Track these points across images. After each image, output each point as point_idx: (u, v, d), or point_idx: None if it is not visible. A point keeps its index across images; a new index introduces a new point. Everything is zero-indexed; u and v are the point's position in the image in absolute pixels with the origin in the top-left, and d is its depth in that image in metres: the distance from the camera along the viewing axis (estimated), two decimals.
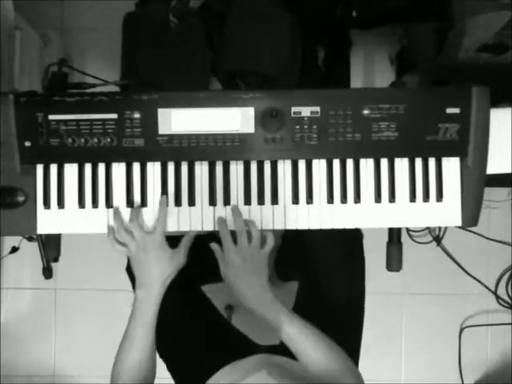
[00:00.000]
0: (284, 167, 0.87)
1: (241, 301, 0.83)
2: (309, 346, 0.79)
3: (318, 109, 0.84)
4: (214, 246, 0.86)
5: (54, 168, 0.87)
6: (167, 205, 0.86)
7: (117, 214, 0.85)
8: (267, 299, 0.82)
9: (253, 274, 0.82)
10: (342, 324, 0.97)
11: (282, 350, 0.85)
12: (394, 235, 0.94)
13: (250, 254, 0.82)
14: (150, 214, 0.87)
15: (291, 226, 0.87)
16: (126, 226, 0.84)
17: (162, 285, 0.84)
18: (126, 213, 0.87)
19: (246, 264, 0.82)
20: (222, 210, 0.87)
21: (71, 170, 0.87)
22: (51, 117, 0.84)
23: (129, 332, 0.83)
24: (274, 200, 0.87)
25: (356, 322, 1.01)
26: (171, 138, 0.84)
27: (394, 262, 0.94)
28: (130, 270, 1.03)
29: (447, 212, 0.87)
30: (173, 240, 1.05)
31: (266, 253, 0.84)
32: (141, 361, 0.82)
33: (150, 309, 0.83)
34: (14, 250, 1.60)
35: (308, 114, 0.84)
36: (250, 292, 0.82)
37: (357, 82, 1.56)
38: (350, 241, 1.02)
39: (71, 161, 0.86)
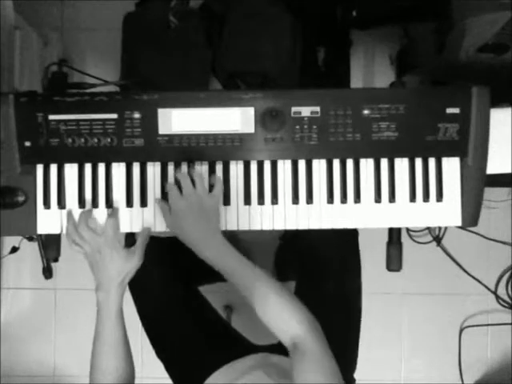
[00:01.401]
0: (284, 167, 0.87)
1: (188, 245, 0.82)
2: (263, 294, 0.76)
3: (318, 109, 0.84)
4: (157, 200, 0.86)
5: (53, 168, 0.87)
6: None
7: (69, 216, 0.85)
8: (216, 242, 0.81)
9: (200, 217, 0.81)
10: (339, 322, 0.96)
11: (280, 349, 0.85)
12: (394, 235, 0.94)
13: (196, 199, 0.82)
14: (149, 215, 0.87)
15: (291, 226, 0.87)
16: (78, 228, 0.83)
17: (120, 285, 0.83)
18: (126, 213, 0.87)
19: (193, 208, 0.81)
20: (221, 210, 0.87)
21: (71, 170, 0.87)
22: (51, 117, 0.84)
23: (96, 334, 0.82)
24: (274, 200, 0.87)
25: (353, 320, 1.01)
26: (171, 138, 0.84)
27: (394, 262, 0.94)
28: None
29: (447, 212, 0.88)
30: (172, 240, 1.05)
31: (215, 196, 0.84)
32: (114, 362, 0.81)
33: (112, 310, 0.81)
34: (14, 250, 1.60)
35: (308, 114, 0.84)
36: (197, 235, 0.81)
37: (357, 82, 1.56)
38: (345, 239, 1.02)
39: (71, 161, 0.86)
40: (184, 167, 0.87)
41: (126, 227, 0.87)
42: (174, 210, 0.83)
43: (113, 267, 0.82)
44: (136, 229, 0.87)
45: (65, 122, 0.84)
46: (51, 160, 0.86)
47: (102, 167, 0.87)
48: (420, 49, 1.29)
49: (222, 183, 0.85)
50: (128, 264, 0.83)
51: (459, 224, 0.88)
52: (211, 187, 0.85)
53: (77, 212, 0.85)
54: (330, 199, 0.87)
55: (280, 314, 0.75)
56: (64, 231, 0.87)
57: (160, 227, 0.87)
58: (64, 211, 0.86)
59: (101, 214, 0.87)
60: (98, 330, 0.82)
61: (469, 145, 0.85)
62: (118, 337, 0.82)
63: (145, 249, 0.86)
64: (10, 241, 1.61)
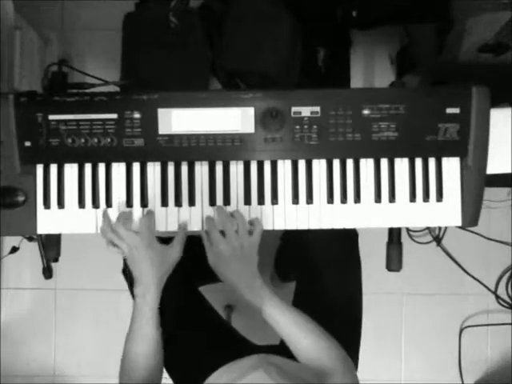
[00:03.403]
0: (284, 167, 0.87)
1: (233, 289, 0.83)
2: (296, 331, 0.80)
3: (318, 109, 0.84)
4: (202, 233, 0.86)
5: (53, 168, 0.87)
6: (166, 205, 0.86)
7: (105, 216, 0.85)
8: (257, 285, 0.82)
9: (243, 262, 0.83)
10: (340, 322, 0.96)
11: (281, 349, 0.86)
12: (394, 235, 0.94)
13: (239, 243, 0.83)
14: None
15: (291, 226, 0.87)
16: (115, 227, 0.84)
17: (159, 281, 0.84)
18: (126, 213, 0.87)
19: (236, 253, 0.82)
20: None
21: (71, 170, 0.87)
22: (51, 117, 0.83)
23: (131, 331, 0.84)
24: (274, 200, 0.87)
25: (354, 321, 1.01)
26: (171, 138, 0.84)
27: (394, 262, 0.94)
28: (125, 272, 1.03)
29: (447, 212, 0.87)
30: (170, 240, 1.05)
31: (255, 239, 0.84)
32: (147, 355, 0.83)
33: (149, 305, 0.83)
34: (14, 250, 1.60)
35: (308, 114, 0.84)
36: (241, 279, 0.82)
37: (357, 82, 1.56)
38: (346, 240, 1.02)
39: (71, 161, 0.86)
40: (184, 167, 0.87)
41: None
42: (216, 253, 0.83)
43: (151, 264, 0.83)
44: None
45: (65, 121, 0.84)
46: (51, 160, 0.86)
47: (102, 167, 0.87)
48: (420, 49, 1.29)
49: (262, 225, 0.86)
50: (167, 261, 0.84)
51: (459, 224, 0.88)
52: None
53: (112, 212, 0.86)
54: (330, 199, 0.87)
55: (316, 353, 0.79)
56: (63, 231, 0.87)
57: (160, 227, 0.87)
58: (63, 211, 0.86)
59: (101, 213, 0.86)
60: (133, 327, 0.83)
61: (469, 145, 0.85)
62: (153, 334, 0.83)
63: (184, 245, 0.86)
64: (10, 241, 1.61)
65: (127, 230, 0.83)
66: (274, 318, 0.80)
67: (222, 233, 0.84)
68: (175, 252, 0.85)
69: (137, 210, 0.87)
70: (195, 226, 0.87)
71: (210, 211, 0.87)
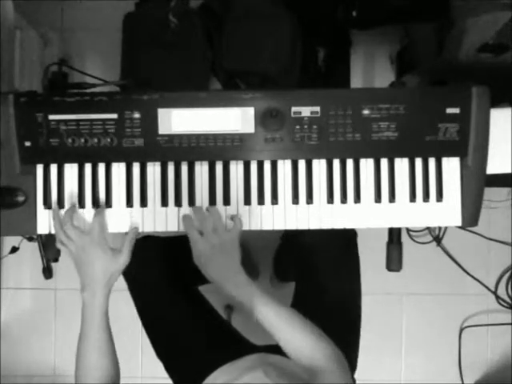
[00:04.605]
0: (284, 167, 0.87)
1: (217, 285, 0.82)
2: (286, 327, 0.78)
3: (318, 109, 0.84)
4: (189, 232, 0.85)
5: (53, 168, 0.87)
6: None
7: (55, 215, 0.84)
8: (241, 281, 0.81)
9: (224, 259, 0.81)
10: (339, 322, 0.96)
11: (280, 349, 0.86)
12: (394, 235, 0.94)
13: (218, 240, 0.82)
14: (149, 215, 0.87)
15: (291, 226, 0.87)
16: (63, 226, 0.83)
17: (106, 285, 0.82)
18: (126, 213, 0.87)
19: (215, 251, 0.81)
20: (221, 210, 0.87)
21: (71, 170, 0.87)
22: (51, 117, 0.84)
23: (82, 335, 0.83)
24: (274, 200, 0.87)
25: (353, 320, 1.01)
26: (171, 138, 0.84)
27: (394, 262, 0.94)
28: (125, 272, 1.03)
29: (447, 212, 0.88)
30: (172, 240, 1.05)
31: (234, 235, 0.83)
32: (99, 361, 0.82)
33: (97, 310, 0.81)
34: (14, 250, 1.60)
35: (308, 114, 0.84)
36: (224, 276, 0.81)
37: (357, 82, 1.56)
38: (344, 239, 1.02)
39: (71, 161, 0.86)
40: (184, 167, 0.87)
41: (125, 227, 0.87)
42: (195, 252, 0.82)
43: (98, 267, 0.81)
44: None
45: (65, 121, 0.84)
46: (51, 160, 0.86)
47: (101, 167, 0.87)
48: (420, 49, 1.29)
49: (241, 222, 0.85)
50: (114, 264, 0.83)
51: (459, 224, 0.88)
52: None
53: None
54: (330, 199, 0.87)
55: (305, 348, 0.76)
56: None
57: (160, 227, 0.87)
58: (63, 211, 0.86)
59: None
60: (83, 331, 0.82)
61: (469, 145, 0.85)
62: (103, 337, 0.82)
63: (132, 249, 0.85)
64: (10, 241, 1.61)
65: (76, 229, 0.82)
66: (265, 315, 0.78)
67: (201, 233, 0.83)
68: (123, 256, 0.83)
69: (137, 211, 0.87)
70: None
71: None
